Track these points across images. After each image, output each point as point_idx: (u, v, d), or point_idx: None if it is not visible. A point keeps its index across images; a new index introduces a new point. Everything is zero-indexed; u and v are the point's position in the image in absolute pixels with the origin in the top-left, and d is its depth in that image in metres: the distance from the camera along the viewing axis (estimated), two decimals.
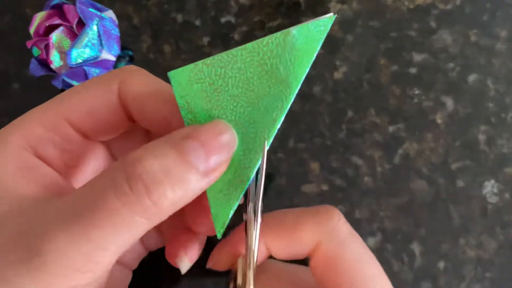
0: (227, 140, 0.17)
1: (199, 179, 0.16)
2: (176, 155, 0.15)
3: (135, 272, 0.25)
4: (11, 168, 0.17)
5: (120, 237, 0.15)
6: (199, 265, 0.30)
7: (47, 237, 0.15)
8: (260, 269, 0.21)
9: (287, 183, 0.32)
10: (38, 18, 0.31)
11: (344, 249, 0.19)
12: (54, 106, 0.19)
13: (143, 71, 0.20)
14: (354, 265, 0.19)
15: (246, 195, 0.19)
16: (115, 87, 0.19)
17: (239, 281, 0.20)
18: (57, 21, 0.30)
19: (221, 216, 0.18)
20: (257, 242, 0.19)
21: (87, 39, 0.30)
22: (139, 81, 0.19)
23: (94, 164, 0.22)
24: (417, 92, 0.33)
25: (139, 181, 0.15)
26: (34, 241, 0.15)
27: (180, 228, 0.22)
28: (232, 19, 0.35)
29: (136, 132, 0.22)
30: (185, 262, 0.21)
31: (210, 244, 0.23)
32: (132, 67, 0.20)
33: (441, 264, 0.30)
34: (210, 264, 0.22)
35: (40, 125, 0.19)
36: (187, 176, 0.15)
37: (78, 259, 0.15)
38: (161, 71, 0.34)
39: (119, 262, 0.23)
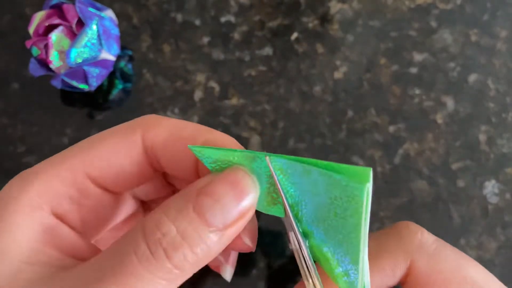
0: (245, 190, 0.16)
1: (220, 236, 0.16)
2: (192, 215, 0.15)
3: None
4: (31, 233, 0.17)
5: None
6: None
7: None
8: None
9: None
10: (38, 17, 0.31)
11: (440, 260, 0.19)
12: (73, 159, 0.18)
13: (164, 117, 0.19)
14: (454, 273, 0.18)
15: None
16: (139, 137, 0.18)
17: None
18: (56, 20, 0.30)
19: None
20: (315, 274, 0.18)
21: (86, 38, 0.30)
22: (165, 127, 0.19)
23: (114, 216, 0.21)
24: (417, 92, 0.33)
25: (159, 247, 0.15)
26: None
27: None
28: (232, 19, 0.35)
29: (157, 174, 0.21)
30: (228, 270, 0.22)
31: None
32: (152, 115, 0.19)
33: None
34: None
35: (58, 180, 0.18)
36: (205, 236, 0.15)
37: None
38: (161, 71, 0.34)
39: None
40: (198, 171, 0.19)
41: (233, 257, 0.22)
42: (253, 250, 0.19)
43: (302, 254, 0.19)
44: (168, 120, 0.19)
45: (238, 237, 0.19)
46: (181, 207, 0.15)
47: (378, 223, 0.31)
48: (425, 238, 0.19)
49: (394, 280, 0.20)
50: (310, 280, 0.19)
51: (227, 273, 0.22)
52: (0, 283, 0.16)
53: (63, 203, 0.18)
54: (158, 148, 0.19)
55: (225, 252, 0.22)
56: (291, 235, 0.19)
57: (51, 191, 0.17)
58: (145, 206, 0.24)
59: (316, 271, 0.19)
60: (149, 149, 0.19)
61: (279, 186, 0.17)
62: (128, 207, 0.22)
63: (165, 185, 0.23)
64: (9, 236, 0.16)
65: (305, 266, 0.19)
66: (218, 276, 0.30)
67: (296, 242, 0.19)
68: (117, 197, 0.20)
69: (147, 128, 0.18)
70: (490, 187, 0.31)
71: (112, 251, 0.16)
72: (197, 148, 0.17)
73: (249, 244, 0.19)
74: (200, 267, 0.16)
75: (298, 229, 0.19)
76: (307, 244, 0.19)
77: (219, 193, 0.16)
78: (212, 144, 0.18)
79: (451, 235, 0.31)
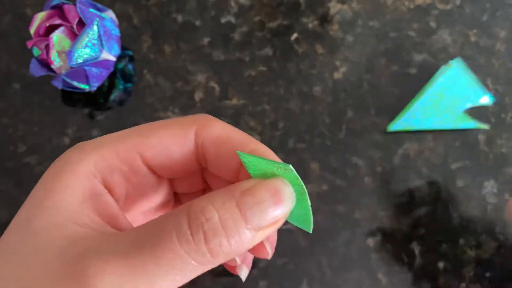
0: (283, 199, 0.18)
1: (253, 235, 0.17)
2: (235, 209, 0.17)
3: None
4: (79, 194, 0.18)
5: (173, 277, 0.17)
6: None
7: (100, 265, 0.16)
8: None
9: None
10: (39, 18, 0.31)
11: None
12: (132, 138, 0.20)
13: (217, 119, 0.21)
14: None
15: None
16: (193, 132, 0.20)
17: None
18: (57, 21, 0.30)
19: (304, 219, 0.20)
20: None
21: (87, 39, 0.30)
22: (218, 128, 0.21)
23: (154, 198, 0.23)
24: (417, 92, 0.33)
25: (199, 230, 0.16)
26: (87, 270, 0.16)
27: None
28: (232, 19, 0.35)
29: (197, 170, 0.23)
30: (244, 270, 0.24)
31: None
32: (206, 115, 0.21)
33: (441, 264, 0.30)
34: None
35: (114, 153, 0.20)
36: (242, 231, 0.17)
37: None
38: (161, 71, 0.34)
39: None
40: (239, 174, 0.21)
41: (250, 258, 0.24)
42: (269, 258, 0.21)
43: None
44: (222, 123, 0.21)
45: (261, 242, 0.21)
46: (225, 200, 0.17)
47: (377, 222, 0.31)
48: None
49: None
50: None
51: (243, 273, 0.23)
52: (51, 239, 0.17)
53: (114, 175, 0.20)
54: (208, 146, 0.20)
55: (244, 253, 0.23)
56: None
57: (106, 163, 0.19)
58: (176, 197, 0.26)
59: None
60: (199, 145, 0.21)
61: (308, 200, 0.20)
62: (165, 194, 0.24)
63: (200, 182, 0.25)
64: (64, 193, 0.18)
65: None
66: (218, 276, 0.30)
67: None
68: (159, 181, 0.22)
69: (201, 126, 0.21)
70: (489, 187, 0.31)
71: (153, 225, 0.17)
72: (244, 155, 0.19)
73: (268, 250, 0.21)
74: (227, 259, 0.17)
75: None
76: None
77: (261, 197, 0.18)
78: (258, 153, 0.20)
79: (450, 234, 0.31)
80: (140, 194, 0.22)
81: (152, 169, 0.21)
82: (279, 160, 0.20)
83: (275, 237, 0.22)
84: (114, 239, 0.17)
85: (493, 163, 0.32)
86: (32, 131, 0.33)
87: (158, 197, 0.23)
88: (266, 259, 0.30)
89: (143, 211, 0.24)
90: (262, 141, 0.33)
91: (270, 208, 0.18)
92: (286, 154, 0.32)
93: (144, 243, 0.16)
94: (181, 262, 0.16)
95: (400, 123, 0.32)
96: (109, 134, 0.21)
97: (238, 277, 0.30)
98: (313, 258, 0.30)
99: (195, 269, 0.17)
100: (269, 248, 0.21)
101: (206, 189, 0.25)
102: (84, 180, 0.19)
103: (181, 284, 0.17)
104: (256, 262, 0.31)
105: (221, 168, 0.21)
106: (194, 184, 0.25)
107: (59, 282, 0.16)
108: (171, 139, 0.20)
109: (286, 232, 0.31)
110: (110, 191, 0.20)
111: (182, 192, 0.25)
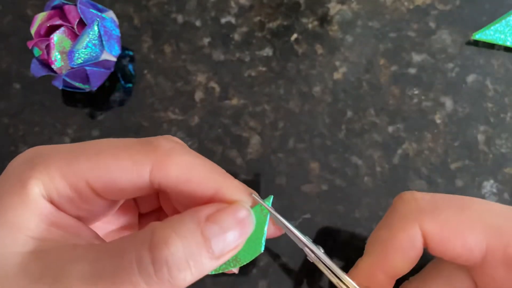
0: (247, 228, 0.18)
1: (214, 262, 0.17)
2: (199, 239, 0.17)
3: None
4: (27, 211, 0.18)
5: None
6: None
7: (66, 285, 0.16)
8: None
9: (287, 183, 0.32)
10: (39, 18, 0.31)
11: (442, 212, 0.20)
12: (79, 163, 0.18)
13: (179, 151, 0.20)
14: (459, 218, 0.19)
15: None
16: (147, 171, 0.19)
17: None
18: (58, 21, 0.30)
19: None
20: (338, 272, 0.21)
21: (88, 39, 0.30)
22: (177, 166, 0.19)
23: (107, 213, 0.22)
24: (416, 92, 0.33)
25: (164, 266, 0.16)
26: (50, 285, 0.16)
27: None
28: (232, 20, 0.35)
29: None
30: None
31: None
32: (168, 144, 0.19)
33: None
34: None
35: (62, 179, 0.18)
36: (206, 261, 0.17)
37: None
38: (162, 71, 0.34)
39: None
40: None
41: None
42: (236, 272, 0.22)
43: (323, 263, 0.21)
44: (181, 157, 0.19)
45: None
46: (190, 228, 0.17)
47: (377, 222, 0.31)
48: (419, 198, 0.20)
49: (417, 251, 0.20)
50: (342, 284, 0.21)
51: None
52: (10, 255, 0.17)
53: (64, 202, 0.19)
54: (165, 187, 0.19)
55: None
56: (305, 250, 0.21)
57: (55, 188, 0.18)
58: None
59: (343, 273, 0.21)
60: (155, 184, 0.19)
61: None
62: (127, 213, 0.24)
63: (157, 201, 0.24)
64: (17, 210, 0.17)
65: (331, 272, 0.21)
66: (218, 276, 0.31)
67: (313, 254, 0.21)
68: (112, 204, 0.22)
69: (157, 165, 0.19)
70: (489, 187, 0.31)
71: (115, 251, 0.16)
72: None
73: (235, 271, 0.22)
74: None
75: (309, 241, 0.20)
76: (321, 250, 0.21)
77: (227, 226, 0.17)
78: (220, 197, 0.19)
79: None
80: (93, 214, 0.21)
81: (101, 196, 0.20)
82: (251, 192, 0.20)
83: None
84: (77, 255, 0.17)
85: (492, 163, 0.32)
86: (33, 131, 0.34)
87: (110, 215, 0.23)
88: (266, 259, 0.30)
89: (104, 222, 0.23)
90: (262, 141, 0.33)
91: (235, 236, 0.18)
92: (286, 154, 0.32)
93: (104, 271, 0.16)
94: None
95: (487, 34, 0.32)
96: (59, 147, 0.19)
97: (238, 277, 0.31)
98: None
99: None
100: (235, 270, 0.21)
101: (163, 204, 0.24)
102: (36, 202, 0.18)
103: None
104: (255, 261, 0.31)
105: (185, 205, 0.20)
106: (152, 203, 0.24)
107: None
108: (122, 173, 0.19)
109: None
110: (63, 211, 0.19)
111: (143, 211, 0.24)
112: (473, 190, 0.31)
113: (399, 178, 0.32)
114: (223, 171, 0.20)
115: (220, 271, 0.21)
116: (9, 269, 0.16)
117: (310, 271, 0.30)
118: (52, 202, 0.19)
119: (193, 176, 0.19)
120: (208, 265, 0.17)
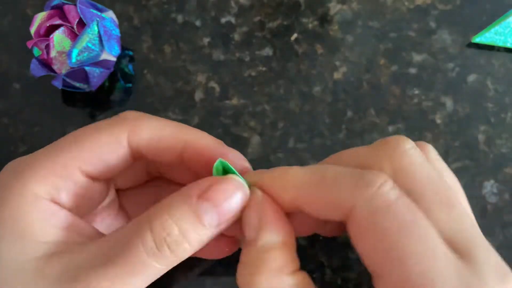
0: (240, 199, 0.19)
1: (213, 231, 0.19)
2: (193, 219, 0.18)
3: None
4: (33, 217, 0.19)
5: (145, 281, 0.19)
6: (199, 264, 0.30)
7: (85, 280, 0.18)
8: None
9: None
10: (39, 18, 0.31)
11: (378, 220, 0.17)
12: (67, 155, 0.20)
13: (147, 117, 0.22)
14: (389, 238, 0.17)
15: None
16: (125, 139, 0.21)
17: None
18: (57, 21, 0.30)
19: None
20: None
21: (87, 39, 0.30)
22: (148, 128, 0.22)
23: (101, 200, 0.24)
24: (416, 92, 0.33)
25: (164, 244, 0.18)
26: (71, 284, 0.18)
27: None
28: (232, 20, 0.35)
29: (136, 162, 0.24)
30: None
31: None
32: (134, 114, 0.22)
33: None
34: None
35: (53, 174, 0.20)
36: (202, 233, 0.19)
37: None
38: (162, 71, 0.34)
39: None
40: (183, 159, 0.22)
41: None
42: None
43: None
44: (149, 121, 0.22)
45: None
46: (183, 211, 0.18)
47: None
48: (380, 192, 0.17)
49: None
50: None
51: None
52: (25, 262, 0.18)
53: (61, 194, 0.20)
54: (143, 149, 0.22)
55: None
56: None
57: (49, 184, 0.20)
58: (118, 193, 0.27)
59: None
60: (135, 149, 0.22)
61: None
62: (112, 193, 0.25)
63: (144, 175, 0.26)
64: (25, 220, 0.19)
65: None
66: (218, 276, 0.30)
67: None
68: (104, 183, 0.23)
69: (131, 130, 0.21)
70: (489, 187, 0.31)
71: (119, 238, 0.19)
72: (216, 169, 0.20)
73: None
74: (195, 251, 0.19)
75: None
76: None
77: (218, 200, 0.19)
78: (192, 147, 0.21)
79: None
80: (90, 200, 0.23)
81: (93, 177, 0.21)
82: (217, 141, 0.22)
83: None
84: (87, 252, 0.19)
85: (493, 163, 0.32)
86: (33, 131, 0.34)
87: (104, 198, 0.24)
88: None
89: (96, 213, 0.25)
90: (262, 141, 0.33)
91: (228, 208, 0.19)
92: (286, 154, 0.32)
93: (116, 259, 0.18)
94: (152, 270, 0.18)
95: (487, 36, 0.32)
96: (43, 150, 0.21)
97: None
98: (313, 258, 0.31)
99: (163, 271, 0.19)
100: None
101: (148, 181, 0.27)
102: (35, 203, 0.19)
103: (152, 281, 0.19)
104: None
105: (163, 161, 0.22)
106: (137, 178, 0.26)
107: None
108: (105, 148, 0.21)
109: None
110: (62, 206, 0.20)
111: (124, 188, 0.26)
112: (473, 190, 0.31)
113: None
114: (190, 127, 0.22)
115: None
116: (27, 275, 0.18)
117: (310, 271, 0.30)
118: (53, 200, 0.20)
119: (163, 133, 0.21)
120: (209, 234, 0.19)
